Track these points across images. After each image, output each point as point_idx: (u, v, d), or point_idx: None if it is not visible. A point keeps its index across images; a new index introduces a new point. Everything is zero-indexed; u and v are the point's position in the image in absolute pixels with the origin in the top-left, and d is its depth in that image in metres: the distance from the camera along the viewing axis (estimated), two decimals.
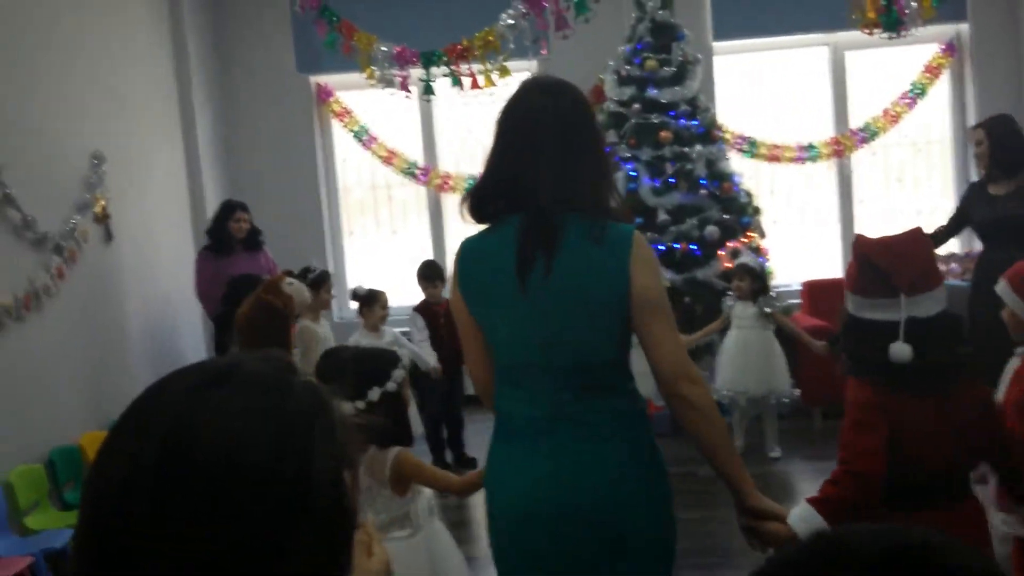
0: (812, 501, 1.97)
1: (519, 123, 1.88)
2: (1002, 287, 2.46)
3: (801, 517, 1.92)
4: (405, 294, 6.38)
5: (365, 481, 2.44)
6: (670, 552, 1.90)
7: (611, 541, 1.80)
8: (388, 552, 2.28)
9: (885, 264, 1.99)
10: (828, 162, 7.38)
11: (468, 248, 1.93)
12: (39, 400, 4.47)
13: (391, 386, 2.40)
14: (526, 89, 1.95)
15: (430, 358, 5.19)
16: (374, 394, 2.39)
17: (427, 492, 2.54)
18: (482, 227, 1.94)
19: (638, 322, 1.81)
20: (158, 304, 5.92)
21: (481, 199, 1.92)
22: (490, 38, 5.18)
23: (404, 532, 2.43)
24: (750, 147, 7.26)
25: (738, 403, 5.36)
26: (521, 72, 6.70)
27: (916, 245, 2.05)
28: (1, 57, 4.44)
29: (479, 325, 1.91)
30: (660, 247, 6.08)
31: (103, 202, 5.29)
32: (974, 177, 6.77)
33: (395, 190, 7.51)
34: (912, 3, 5.51)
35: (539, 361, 1.82)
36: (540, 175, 1.82)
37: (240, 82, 7.15)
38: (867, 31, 5.57)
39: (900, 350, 1.96)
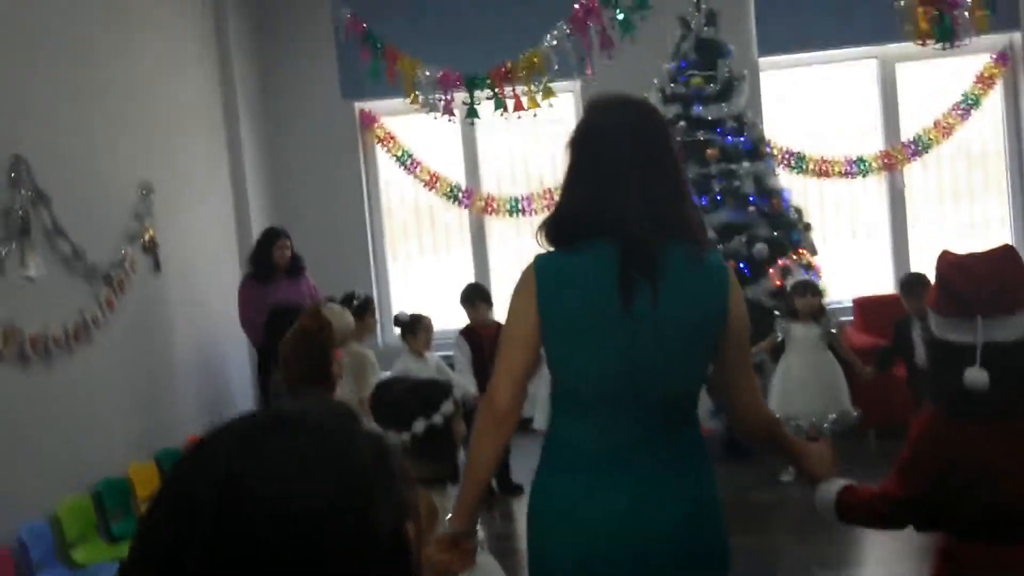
0: (840, 493, 1.98)
1: (595, 146, 1.81)
2: None
3: (823, 499, 2.02)
4: (449, 317, 6.34)
5: None
6: None
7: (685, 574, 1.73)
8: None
9: (959, 281, 1.88)
10: (879, 176, 7.21)
11: (550, 267, 1.80)
12: (86, 431, 4.49)
13: (437, 419, 2.32)
14: (596, 109, 1.89)
15: (470, 385, 5.13)
16: (419, 426, 2.32)
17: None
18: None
19: (728, 355, 1.78)
20: (205, 333, 5.95)
21: (562, 226, 1.83)
22: (534, 60, 5.15)
23: None
24: (798, 162, 7.13)
25: (800, 428, 5.20)
26: (565, 93, 6.70)
27: (1001, 263, 1.93)
28: (51, 91, 4.50)
29: (546, 348, 1.80)
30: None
31: (151, 231, 5.33)
32: None
33: (438, 213, 7.49)
34: (965, 14, 5.36)
35: (623, 391, 1.73)
36: (628, 200, 1.74)
37: (285, 109, 7.21)
38: (920, 43, 5.44)
39: (976, 377, 1.84)
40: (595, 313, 1.73)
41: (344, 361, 3.80)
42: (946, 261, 1.95)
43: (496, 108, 5.56)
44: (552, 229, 1.84)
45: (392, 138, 7.32)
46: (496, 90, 5.42)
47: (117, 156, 5.10)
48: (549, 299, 1.77)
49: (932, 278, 2.02)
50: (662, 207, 1.76)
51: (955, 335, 1.88)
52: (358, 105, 7.29)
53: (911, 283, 5.00)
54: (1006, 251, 1.98)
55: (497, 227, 7.41)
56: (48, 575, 3.83)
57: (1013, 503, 1.88)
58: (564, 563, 1.76)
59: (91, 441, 4.51)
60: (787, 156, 7.10)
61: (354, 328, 3.57)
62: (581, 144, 1.84)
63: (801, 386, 5.14)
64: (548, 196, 7.17)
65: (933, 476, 1.84)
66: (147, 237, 5.30)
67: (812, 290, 5.20)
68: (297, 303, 4.62)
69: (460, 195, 7.29)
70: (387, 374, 5.24)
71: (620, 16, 4.95)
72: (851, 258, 7.26)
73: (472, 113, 5.69)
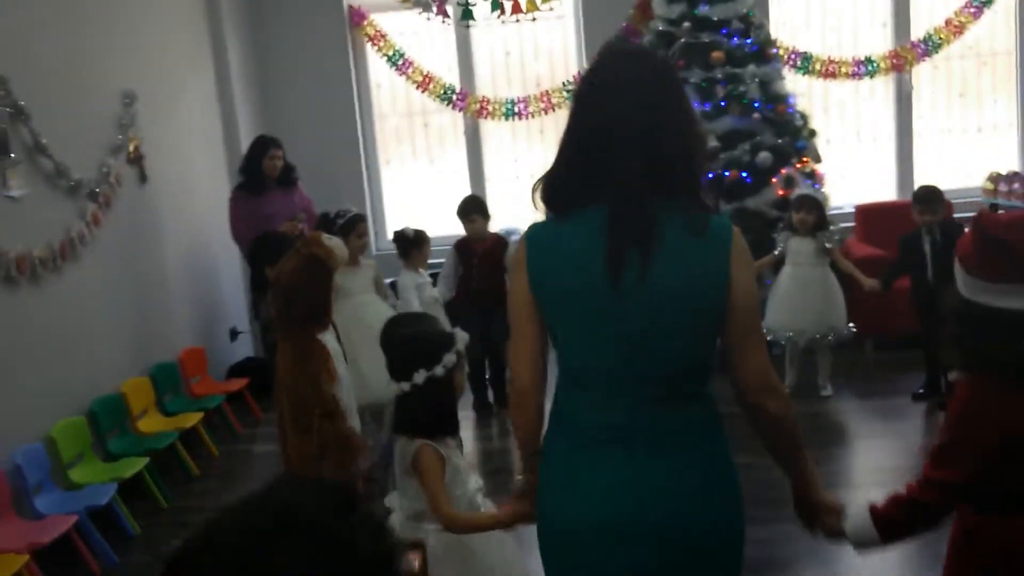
0: (873, 512, 1.82)
1: (600, 97, 1.67)
2: None
3: (857, 525, 1.82)
4: (444, 223, 6.24)
5: (399, 465, 2.34)
6: (738, 569, 1.79)
7: (684, 557, 1.68)
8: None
9: (1020, 245, 1.75)
10: (886, 77, 6.99)
11: (540, 239, 1.72)
12: (79, 351, 4.43)
13: (439, 370, 2.27)
14: (606, 57, 1.74)
15: (446, 292, 5.16)
16: (419, 377, 2.27)
17: (472, 483, 2.42)
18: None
19: (732, 324, 1.65)
20: (196, 245, 5.83)
21: (558, 185, 1.71)
22: None
23: (434, 526, 2.31)
24: (805, 63, 6.89)
25: (794, 342, 5.18)
26: None
27: None
28: (27, 2, 4.26)
29: (546, 324, 1.73)
30: (710, 174, 5.84)
31: (136, 142, 5.15)
32: None
33: (432, 116, 7.27)
34: None
35: (622, 367, 1.65)
36: (628, 157, 1.62)
37: (271, 5, 6.89)
38: None
39: None
40: (584, 290, 1.64)
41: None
42: (997, 221, 1.82)
43: (493, 10, 5.31)
44: (545, 191, 1.73)
45: (383, 36, 7.03)
46: None
47: (96, 64, 4.87)
48: (539, 276, 1.70)
49: (971, 232, 1.86)
50: (667, 167, 1.63)
51: (1003, 301, 1.76)
52: (347, 0, 6.98)
53: (926, 197, 4.88)
54: None
55: (492, 130, 7.21)
56: (45, 497, 3.83)
57: None
58: (567, 537, 1.74)
59: (84, 360, 4.46)
60: (794, 56, 6.85)
61: (347, 256, 3.47)
62: (581, 98, 1.71)
63: (796, 300, 5.09)
64: (545, 99, 6.96)
65: (990, 452, 1.73)
66: (132, 148, 5.13)
67: (809, 205, 5.08)
68: (279, 235, 4.48)
69: (454, 97, 7.06)
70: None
71: None
72: (855, 163, 7.11)
73: (467, 15, 5.43)
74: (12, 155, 4.00)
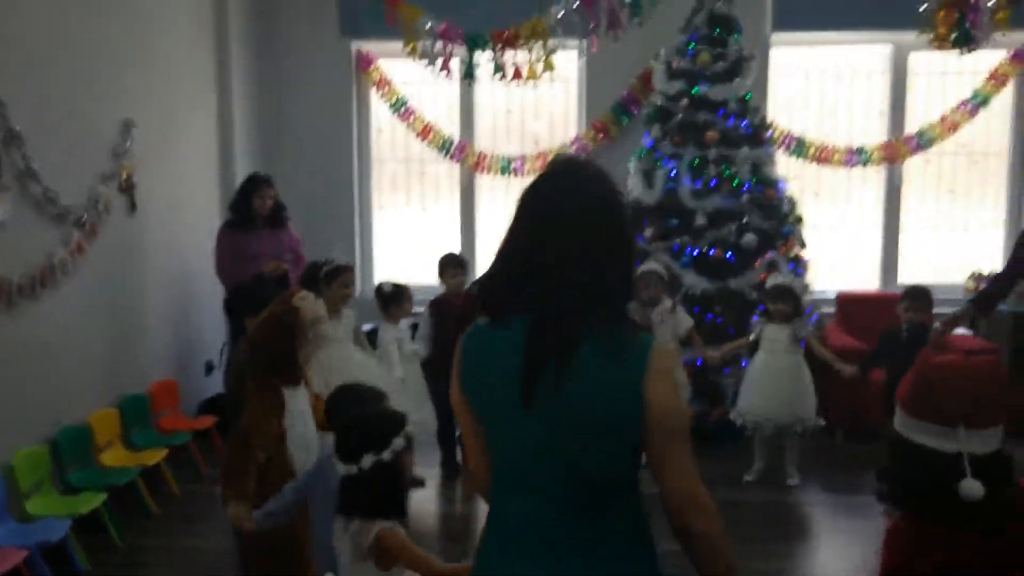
0: None
1: (537, 209, 1.72)
2: None
3: None
4: (430, 273, 6.26)
5: (348, 552, 2.34)
6: None
7: None
8: None
9: (942, 389, 1.81)
10: (878, 167, 7.09)
11: (472, 344, 1.78)
12: (49, 379, 4.41)
13: (386, 455, 2.28)
14: (550, 172, 1.78)
15: (422, 350, 5.15)
16: (367, 461, 2.28)
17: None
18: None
19: (650, 444, 1.67)
20: (179, 277, 5.83)
21: (491, 290, 1.77)
22: (539, 29, 4.95)
23: None
24: (799, 147, 6.98)
25: (762, 429, 5.20)
26: (568, 57, 6.49)
27: (988, 374, 1.86)
28: (30, 27, 4.30)
29: (481, 424, 1.79)
30: (694, 252, 5.89)
31: (128, 171, 5.18)
32: None
33: (429, 165, 7.33)
34: (984, 19, 5.18)
35: (539, 471, 1.70)
36: (554, 273, 1.66)
37: (279, 45, 6.97)
38: (936, 47, 5.27)
39: (971, 487, 1.80)
40: (502, 399, 1.69)
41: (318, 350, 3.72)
42: (931, 364, 1.87)
43: (495, 73, 5.38)
44: (480, 294, 1.79)
45: (388, 83, 7.11)
46: (496, 53, 5.22)
47: (99, 93, 4.91)
48: (467, 379, 1.77)
49: (912, 369, 1.93)
50: (593, 286, 1.67)
51: (930, 440, 1.82)
52: (355, 45, 7.07)
53: (915, 296, 4.91)
54: (993, 363, 1.91)
55: (487, 185, 7.27)
56: None
57: None
58: None
59: (52, 388, 4.45)
60: (788, 139, 6.95)
61: (325, 313, 3.48)
62: (522, 206, 1.75)
63: (767, 386, 5.11)
64: (542, 159, 7.02)
65: None
66: (124, 176, 5.15)
67: (786, 296, 5.12)
68: (262, 285, 4.49)
69: (452, 149, 7.13)
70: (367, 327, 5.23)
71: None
72: (841, 249, 7.18)
73: (469, 74, 5.51)
74: (2, 178, 4.02)
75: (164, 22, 5.66)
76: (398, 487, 2.35)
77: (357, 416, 2.37)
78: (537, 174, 1.81)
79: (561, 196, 1.71)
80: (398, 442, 2.30)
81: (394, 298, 5.02)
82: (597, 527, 1.70)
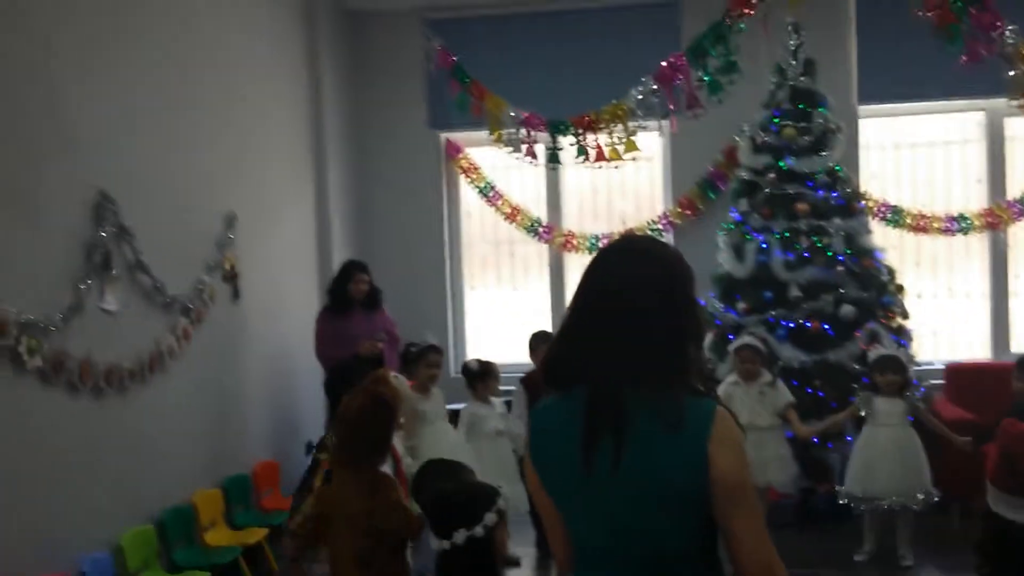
0: None
1: (593, 286, 1.76)
2: None
3: None
4: (521, 352, 6.29)
5: None
6: None
7: None
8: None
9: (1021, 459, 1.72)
10: (980, 234, 6.86)
11: (540, 417, 1.81)
12: (154, 462, 4.56)
13: (479, 531, 2.28)
14: (608, 250, 1.82)
15: (521, 430, 5.05)
16: (459, 537, 2.28)
17: None
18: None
19: (719, 512, 1.65)
20: (281, 361, 6.03)
21: (555, 363, 1.79)
22: (619, 112, 5.05)
23: None
24: (895, 216, 6.84)
25: (873, 507, 4.96)
26: (650, 138, 6.55)
27: None
28: (140, 126, 4.59)
29: (551, 498, 1.78)
30: (791, 324, 5.77)
31: (232, 261, 5.42)
32: None
33: (517, 246, 7.45)
34: None
35: (611, 547, 1.68)
36: (603, 345, 1.69)
37: (372, 139, 7.28)
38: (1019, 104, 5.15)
39: None
40: (566, 466, 1.69)
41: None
42: (1011, 434, 1.78)
43: (578, 155, 5.49)
44: (543, 367, 1.82)
45: (475, 169, 7.32)
46: (579, 137, 5.34)
47: (203, 188, 5.19)
48: (537, 451, 1.78)
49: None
50: (645, 358, 1.67)
51: (1010, 512, 1.72)
52: (444, 135, 7.31)
53: None
54: None
55: (576, 263, 7.33)
56: None
57: None
58: None
59: (158, 470, 4.59)
60: (883, 209, 6.81)
61: (412, 393, 3.56)
62: (584, 280, 1.79)
63: (882, 463, 4.90)
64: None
65: None
66: (228, 266, 5.39)
67: (894, 367, 4.95)
68: (356, 366, 4.58)
69: (540, 229, 7.24)
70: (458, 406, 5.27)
71: (707, 79, 4.81)
72: (946, 319, 6.93)
73: (554, 159, 5.63)
74: (114, 271, 4.26)
75: (263, 117, 5.98)
76: (492, 562, 2.33)
77: (449, 490, 2.37)
78: (598, 251, 1.85)
79: (617, 271, 1.74)
80: (490, 517, 2.30)
81: (480, 375, 5.06)
82: None
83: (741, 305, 5.91)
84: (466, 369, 5.13)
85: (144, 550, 4.31)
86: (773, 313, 5.81)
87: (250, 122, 5.77)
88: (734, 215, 6.17)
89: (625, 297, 1.70)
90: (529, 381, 5.38)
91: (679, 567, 1.67)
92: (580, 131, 5.23)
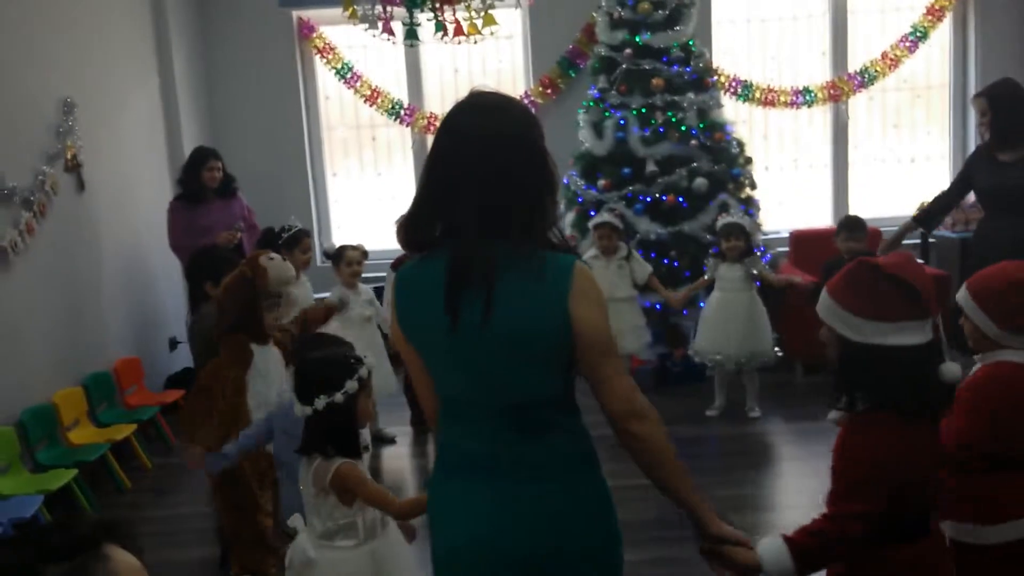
0: (787, 540, 1.87)
1: (446, 145, 1.77)
2: (963, 296, 2.27)
3: (771, 553, 1.85)
4: (389, 238, 6.28)
5: (311, 488, 2.41)
6: None
7: None
8: (332, 561, 2.30)
9: (918, 280, 1.86)
10: (824, 107, 7.20)
11: (403, 279, 1.84)
12: (9, 361, 4.40)
13: (338, 397, 2.35)
14: (457, 109, 1.82)
15: (384, 311, 5.14)
16: (320, 403, 2.35)
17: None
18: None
19: (582, 361, 1.74)
20: (134, 254, 5.81)
21: (412, 227, 1.82)
22: None
23: (350, 542, 2.43)
24: (745, 91, 7.07)
25: (721, 366, 5.32)
26: (510, 14, 6.50)
27: (919, 267, 1.94)
28: None
29: (420, 359, 1.84)
30: (647, 199, 5.97)
31: (74, 150, 5.14)
32: (973, 127, 6.63)
33: (379, 130, 7.33)
34: None
35: (476, 398, 1.76)
36: (465, 203, 1.72)
37: (218, 18, 6.90)
38: None
39: (952, 369, 1.87)
40: (432, 323, 1.74)
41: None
42: (888, 262, 1.91)
43: (436, 31, 5.37)
44: (401, 232, 1.86)
45: (332, 49, 7.08)
46: (436, 12, 5.21)
47: (36, 72, 4.85)
48: (403, 313, 1.83)
49: (861, 279, 1.93)
50: (504, 212, 1.72)
51: (907, 338, 1.86)
52: (296, 13, 7.01)
53: (851, 226, 5.05)
54: (912, 257, 1.98)
55: None
56: None
57: (929, 501, 1.94)
58: (440, 563, 1.85)
59: (14, 370, 4.43)
60: (734, 84, 7.03)
61: (294, 275, 3.54)
62: (435, 144, 1.80)
63: (723, 324, 5.22)
64: None
65: (898, 484, 1.83)
66: (69, 156, 5.11)
67: (737, 232, 5.22)
68: (216, 253, 4.48)
69: (402, 112, 7.13)
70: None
71: None
72: (792, 190, 7.30)
73: (411, 35, 5.48)
74: None
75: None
76: (349, 428, 2.41)
77: (314, 359, 2.42)
78: (446, 114, 1.82)
79: (467, 133, 1.75)
80: (351, 384, 2.37)
81: (335, 259, 5.04)
82: (537, 449, 1.76)
83: (601, 182, 6.05)
84: (325, 253, 5.09)
85: (7, 451, 4.20)
86: (631, 188, 5.99)
87: (81, 2, 5.38)
88: (593, 92, 6.25)
89: (485, 154, 1.72)
90: (398, 265, 5.40)
91: (542, 412, 1.76)
92: (437, 5, 5.10)
